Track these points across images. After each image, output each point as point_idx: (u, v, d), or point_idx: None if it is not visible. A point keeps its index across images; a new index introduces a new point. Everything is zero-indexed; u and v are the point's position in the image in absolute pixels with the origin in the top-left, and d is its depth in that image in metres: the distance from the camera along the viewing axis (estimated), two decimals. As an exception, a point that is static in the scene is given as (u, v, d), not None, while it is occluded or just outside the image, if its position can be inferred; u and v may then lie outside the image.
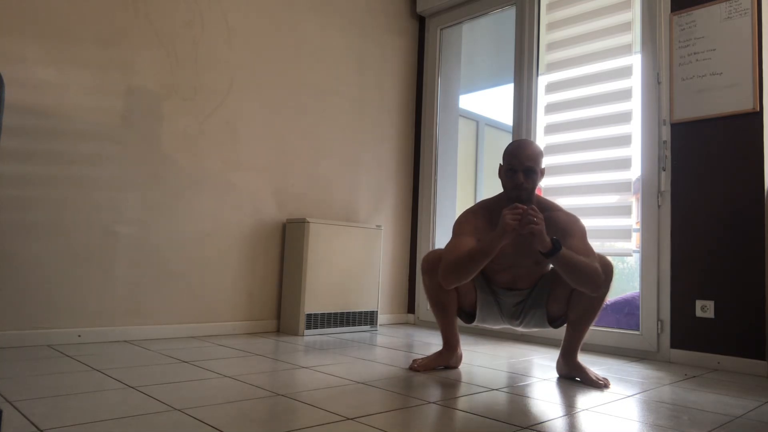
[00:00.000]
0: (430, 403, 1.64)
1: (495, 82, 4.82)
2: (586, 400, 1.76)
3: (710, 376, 2.24)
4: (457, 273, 1.95)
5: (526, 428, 1.42)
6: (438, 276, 2.01)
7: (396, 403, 1.63)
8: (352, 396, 1.70)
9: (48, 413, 1.39)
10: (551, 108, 3.07)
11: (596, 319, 2.04)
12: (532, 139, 3.21)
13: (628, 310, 3.05)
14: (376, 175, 3.63)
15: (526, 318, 2.13)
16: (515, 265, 2.07)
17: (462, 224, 2.09)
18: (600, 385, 1.95)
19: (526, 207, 1.84)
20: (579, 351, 2.08)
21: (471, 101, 5.00)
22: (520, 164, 2.00)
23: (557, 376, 2.13)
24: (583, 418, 1.54)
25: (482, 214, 2.11)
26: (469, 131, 5.00)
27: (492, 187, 4.99)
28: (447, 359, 2.19)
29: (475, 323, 2.21)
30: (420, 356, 2.33)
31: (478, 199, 4.95)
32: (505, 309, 2.15)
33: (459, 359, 2.23)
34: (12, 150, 2.29)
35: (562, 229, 1.99)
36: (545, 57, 3.15)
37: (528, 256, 2.03)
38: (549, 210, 2.05)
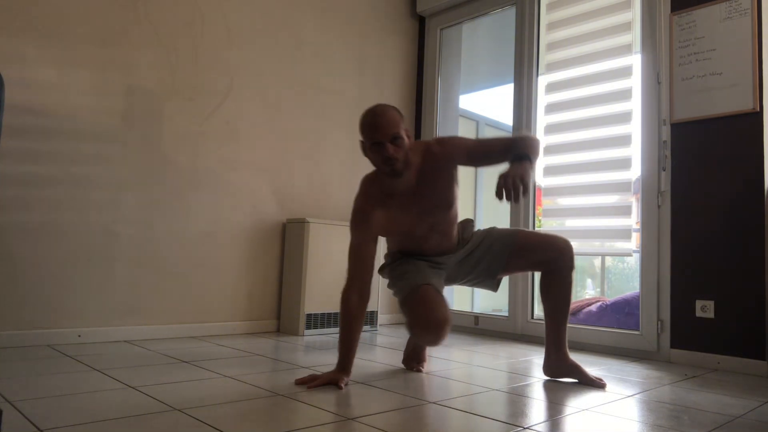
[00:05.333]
0: (430, 403, 1.64)
1: (495, 82, 4.82)
2: (586, 400, 1.76)
3: (710, 376, 2.24)
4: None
5: (526, 428, 1.42)
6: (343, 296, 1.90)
7: (396, 403, 1.63)
8: (352, 396, 1.70)
9: (48, 413, 1.39)
10: (551, 108, 3.07)
11: (571, 305, 2.01)
12: (532, 139, 3.20)
13: (628, 310, 3.05)
14: (376, 175, 3.63)
15: (472, 282, 2.11)
16: (429, 220, 1.96)
17: (359, 225, 1.91)
18: (601, 384, 1.94)
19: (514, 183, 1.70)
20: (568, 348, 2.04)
21: (471, 101, 5.00)
22: (385, 135, 1.80)
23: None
24: (583, 418, 1.54)
25: (372, 194, 1.93)
26: (469, 131, 5.00)
27: (492, 186, 5.00)
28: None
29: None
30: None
31: (478, 200, 4.98)
32: (450, 272, 2.07)
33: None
34: (12, 150, 2.29)
35: (448, 158, 1.92)
36: (545, 57, 3.15)
37: (429, 200, 1.93)
38: (425, 150, 1.94)
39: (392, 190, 1.92)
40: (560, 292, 1.99)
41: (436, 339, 1.81)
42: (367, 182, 1.97)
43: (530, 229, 3.16)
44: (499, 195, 1.72)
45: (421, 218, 1.95)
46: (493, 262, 2.05)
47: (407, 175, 1.89)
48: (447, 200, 1.97)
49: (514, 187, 1.69)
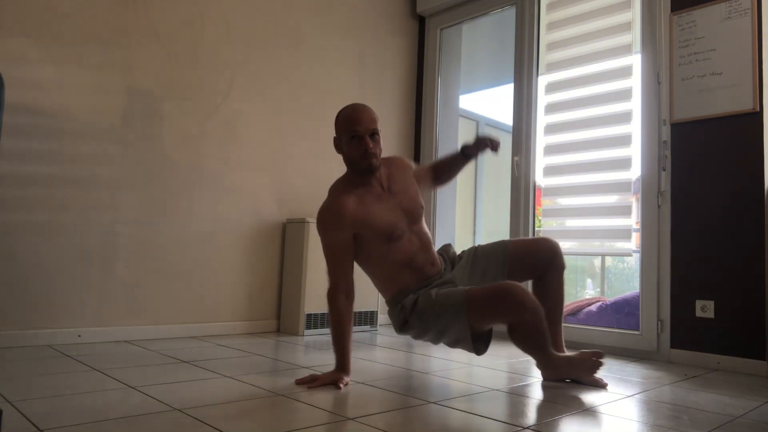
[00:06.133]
0: (430, 403, 1.64)
1: (495, 82, 4.82)
2: (586, 400, 1.76)
3: (710, 376, 2.24)
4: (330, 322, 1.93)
5: (526, 428, 1.42)
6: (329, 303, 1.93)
7: (396, 403, 1.63)
8: (352, 396, 1.70)
9: (48, 413, 1.39)
10: (551, 108, 3.07)
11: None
12: (531, 139, 3.21)
13: (628, 310, 3.05)
14: (376, 175, 3.63)
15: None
16: (408, 216, 1.95)
17: (333, 221, 1.88)
18: (602, 384, 1.94)
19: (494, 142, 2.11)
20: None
21: (471, 101, 5.00)
22: (366, 129, 1.86)
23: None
24: (583, 418, 1.54)
25: (345, 189, 1.92)
26: (469, 131, 5.00)
27: (492, 186, 5.01)
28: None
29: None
30: (418, 356, 2.32)
31: (478, 201, 4.98)
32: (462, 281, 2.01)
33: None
34: (12, 150, 2.29)
35: (407, 165, 2.11)
36: (545, 57, 3.15)
37: (403, 196, 1.97)
38: (384, 159, 2.01)
39: (365, 188, 1.94)
40: (556, 293, 2.02)
41: (534, 300, 1.77)
42: (338, 184, 1.99)
43: (529, 229, 3.16)
44: (487, 147, 2.12)
45: (400, 211, 1.94)
46: (498, 276, 2.04)
47: (379, 174, 1.96)
48: (418, 201, 2.03)
49: (493, 142, 2.11)
